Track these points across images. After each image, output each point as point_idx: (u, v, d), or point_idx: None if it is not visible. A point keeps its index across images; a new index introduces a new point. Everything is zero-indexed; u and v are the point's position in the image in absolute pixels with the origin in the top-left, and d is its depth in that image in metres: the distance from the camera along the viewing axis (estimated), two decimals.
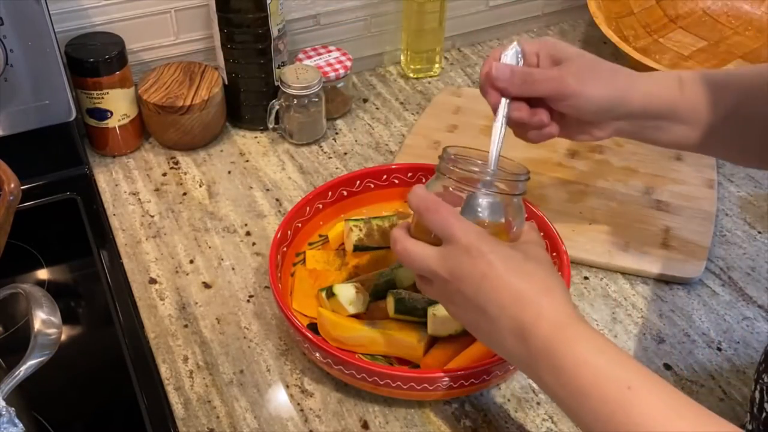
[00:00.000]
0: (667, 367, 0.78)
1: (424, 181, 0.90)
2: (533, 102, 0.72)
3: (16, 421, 0.56)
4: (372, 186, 0.90)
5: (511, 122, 0.72)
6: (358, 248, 0.82)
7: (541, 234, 0.83)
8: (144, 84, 1.00)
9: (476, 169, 0.67)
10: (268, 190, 0.97)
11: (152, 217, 0.93)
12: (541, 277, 0.59)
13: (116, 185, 0.98)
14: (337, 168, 1.01)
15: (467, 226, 0.60)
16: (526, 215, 0.86)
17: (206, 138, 1.03)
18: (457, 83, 1.16)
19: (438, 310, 0.73)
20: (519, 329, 0.56)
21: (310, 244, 0.87)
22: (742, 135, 0.75)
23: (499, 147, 0.69)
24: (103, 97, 0.96)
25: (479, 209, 0.65)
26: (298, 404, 0.74)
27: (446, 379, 0.70)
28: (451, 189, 0.67)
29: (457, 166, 0.67)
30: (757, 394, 0.59)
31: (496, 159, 0.68)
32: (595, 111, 0.73)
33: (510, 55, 0.72)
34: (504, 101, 0.71)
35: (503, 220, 0.66)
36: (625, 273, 0.87)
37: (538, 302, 0.56)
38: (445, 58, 1.21)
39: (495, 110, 0.71)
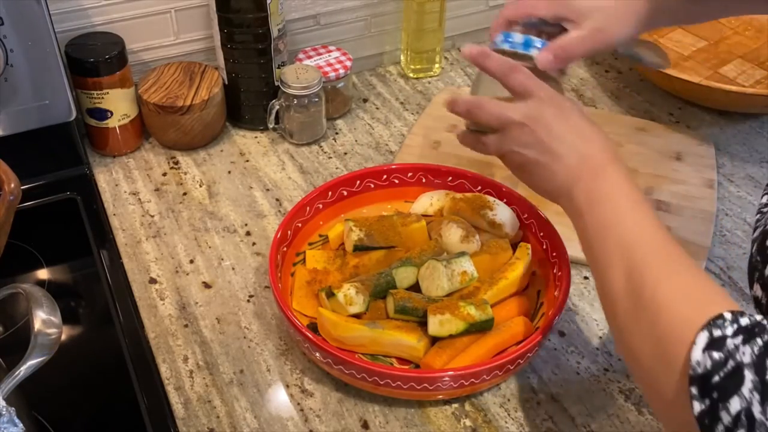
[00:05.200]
0: None
1: (424, 181, 0.90)
2: None
3: (17, 421, 0.56)
4: (372, 186, 0.90)
5: None
6: (358, 248, 0.82)
7: (541, 234, 0.84)
8: (144, 84, 1.00)
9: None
10: (268, 190, 0.97)
11: (152, 217, 0.93)
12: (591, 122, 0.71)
13: (116, 185, 0.98)
14: (337, 168, 1.01)
15: (542, 83, 0.71)
16: (526, 215, 0.86)
17: (206, 138, 1.03)
18: (457, 83, 1.16)
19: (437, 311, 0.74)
20: (582, 159, 0.67)
21: (310, 244, 0.87)
22: None
23: None
24: (103, 97, 0.96)
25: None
26: (298, 404, 0.74)
27: (446, 379, 0.70)
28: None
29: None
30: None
31: None
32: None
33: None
34: None
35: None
36: None
37: (602, 139, 0.69)
38: (445, 58, 1.21)
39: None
